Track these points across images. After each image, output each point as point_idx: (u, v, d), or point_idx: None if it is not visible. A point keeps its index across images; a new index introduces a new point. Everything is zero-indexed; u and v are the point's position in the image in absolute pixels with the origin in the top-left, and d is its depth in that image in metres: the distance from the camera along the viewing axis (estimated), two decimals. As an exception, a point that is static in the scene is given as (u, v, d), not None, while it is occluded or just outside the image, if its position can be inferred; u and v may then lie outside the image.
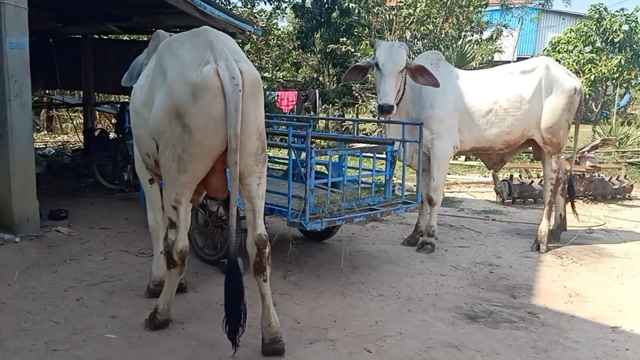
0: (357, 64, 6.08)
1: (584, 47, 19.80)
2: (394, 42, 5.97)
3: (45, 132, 16.62)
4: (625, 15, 19.16)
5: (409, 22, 14.40)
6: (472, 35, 15.45)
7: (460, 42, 14.59)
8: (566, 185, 6.34)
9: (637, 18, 19.01)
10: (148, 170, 3.99)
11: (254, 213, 3.41)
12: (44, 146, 12.77)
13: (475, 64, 13.68)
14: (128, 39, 13.70)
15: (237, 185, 3.16)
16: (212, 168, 3.29)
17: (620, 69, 18.22)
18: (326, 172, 5.01)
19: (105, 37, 11.89)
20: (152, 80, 3.42)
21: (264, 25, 18.60)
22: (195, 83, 3.03)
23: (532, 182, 8.79)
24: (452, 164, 11.73)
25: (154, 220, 4.20)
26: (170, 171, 3.28)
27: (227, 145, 3.06)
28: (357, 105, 17.11)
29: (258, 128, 3.25)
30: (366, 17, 15.60)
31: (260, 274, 3.43)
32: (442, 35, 14.48)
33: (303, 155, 4.63)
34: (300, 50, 20.02)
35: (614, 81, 19.57)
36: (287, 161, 5.15)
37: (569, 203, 6.37)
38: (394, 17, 14.68)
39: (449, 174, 8.41)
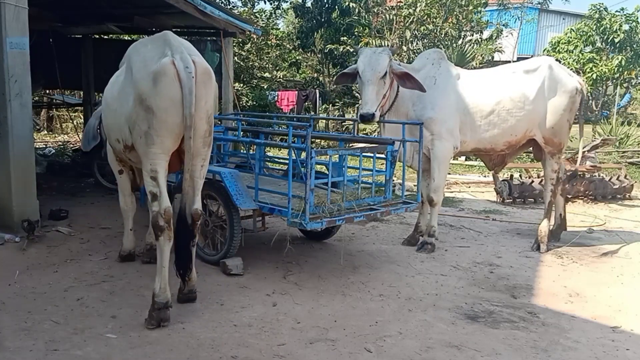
0: (344, 71, 6.01)
1: (585, 47, 19.82)
2: (376, 48, 5.83)
3: (46, 132, 16.61)
4: (625, 15, 19.19)
5: (409, 22, 14.41)
6: (472, 35, 15.46)
7: (460, 42, 14.60)
8: (566, 185, 6.33)
9: (637, 18, 19.03)
10: (118, 162, 4.73)
11: (194, 190, 4.02)
12: (44, 146, 12.76)
13: (475, 64, 13.69)
14: (128, 39, 13.70)
15: (190, 157, 3.77)
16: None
17: (620, 69, 18.24)
18: (326, 172, 5.01)
19: (105, 37, 11.89)
20: (124, 78, 3.99)
21: (263, 24, 18.60)
22: (155, 71, 3.66)
23: (532, 182, 8.79)
24: (452, 164, 11.73)
25: (124, 204, 4.99)
26: (141, 146, 3.83)
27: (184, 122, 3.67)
28: (357, 105, 17.10)
29: (207, 112, 3.88)
30: (366, 17, 15.61)
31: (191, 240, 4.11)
32: (442, 35, 14.49)
33: (303, 155, 4.63)
34: (300, 50, 20.02)
35: (614, 81, 19.60)
36: (287, 161, 5.14)
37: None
38: (394, 17, 14.70)
39: (449, 173, 8.39)
